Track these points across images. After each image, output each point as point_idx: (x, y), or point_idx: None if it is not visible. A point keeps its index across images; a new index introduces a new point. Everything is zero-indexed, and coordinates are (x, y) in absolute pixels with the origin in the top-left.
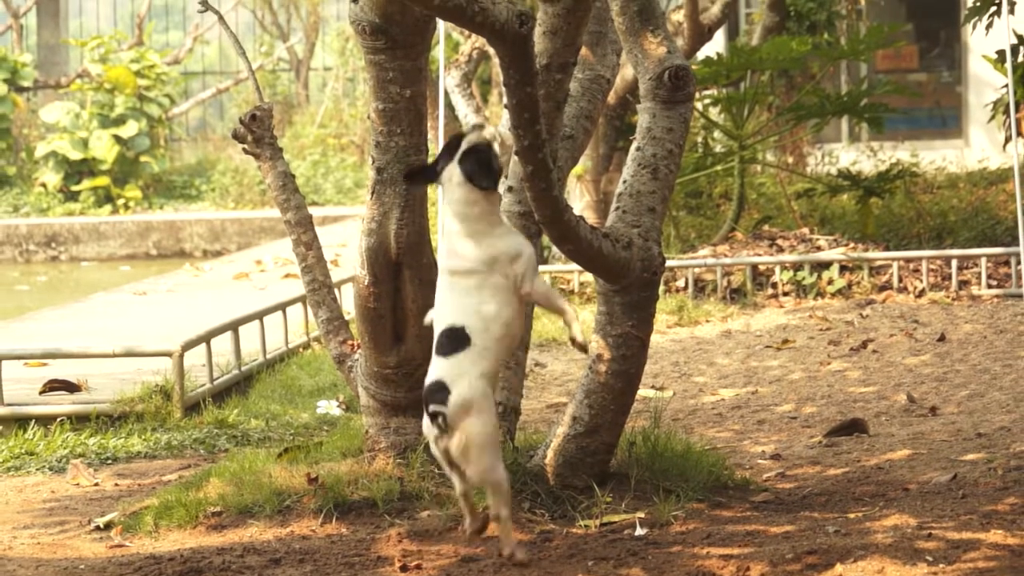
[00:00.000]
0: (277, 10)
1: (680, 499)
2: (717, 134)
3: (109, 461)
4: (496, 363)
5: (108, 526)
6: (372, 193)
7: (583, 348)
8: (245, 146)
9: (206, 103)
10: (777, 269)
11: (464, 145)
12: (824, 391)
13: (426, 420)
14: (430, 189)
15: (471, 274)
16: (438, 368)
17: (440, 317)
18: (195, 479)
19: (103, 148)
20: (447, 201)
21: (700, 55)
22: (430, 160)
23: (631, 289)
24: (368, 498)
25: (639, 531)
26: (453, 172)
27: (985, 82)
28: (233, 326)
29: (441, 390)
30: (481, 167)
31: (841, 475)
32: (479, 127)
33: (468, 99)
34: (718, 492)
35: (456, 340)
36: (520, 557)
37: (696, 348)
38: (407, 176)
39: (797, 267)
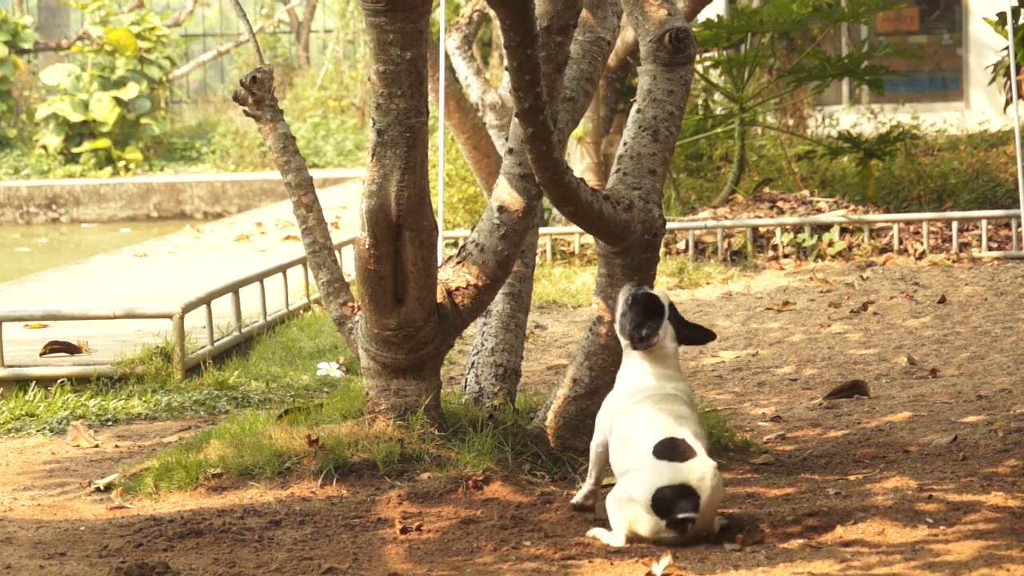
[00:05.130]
0: None
1: None
2: (718, 96)
3: (109, 423)
4: None
5: (108, 488)
6: (373, 155)
7: None
8: (246, 108)
9: (207, 65)
10: (778, 231)
11: (667, 304)
12: (824, 353)
13: (652, 517)
14: (431, 151)
15: (678, 400)
16: (674, 472)
17: (657, 429)
18: (195, 441)
19: (104, 110)
20: (653, 353)
21: (701, 17)
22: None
23: (632, 251)
24: (368, 460)
25: None
26: (668, 329)
27: (986, 44)
28: (233, 288)
29: (688, 494)
30: (685, 324)
31: (841, 437)
32: (658, 290)
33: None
34: (718, 454)
35: (684, 448)
36: None
37: (696, 310)
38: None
39: (798, 229)
